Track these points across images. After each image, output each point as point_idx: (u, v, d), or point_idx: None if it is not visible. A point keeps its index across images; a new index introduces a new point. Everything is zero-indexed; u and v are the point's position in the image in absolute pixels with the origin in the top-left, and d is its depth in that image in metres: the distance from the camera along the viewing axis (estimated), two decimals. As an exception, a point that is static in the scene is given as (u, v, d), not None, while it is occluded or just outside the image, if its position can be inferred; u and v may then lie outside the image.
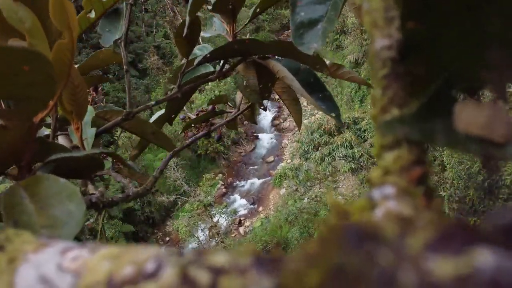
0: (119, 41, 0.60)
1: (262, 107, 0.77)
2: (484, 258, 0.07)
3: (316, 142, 8.82)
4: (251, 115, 0.92)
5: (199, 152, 10.85)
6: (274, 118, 12.96)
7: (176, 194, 9.89)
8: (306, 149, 8.97)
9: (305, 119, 11.14)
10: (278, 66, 0.61)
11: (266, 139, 12.38)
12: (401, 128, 0.14)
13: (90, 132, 0.64)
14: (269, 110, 12.82)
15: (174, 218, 10.19)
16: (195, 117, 0.90)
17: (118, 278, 0.13)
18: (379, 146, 0.16)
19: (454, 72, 0.17)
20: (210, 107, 0.91)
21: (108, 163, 0.77)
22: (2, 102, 0.54)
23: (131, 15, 0.62)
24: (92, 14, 0.59)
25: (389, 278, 0.08)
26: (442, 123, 0.14)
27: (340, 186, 9.15)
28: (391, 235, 0.09)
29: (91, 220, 0.63)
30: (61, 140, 0.73)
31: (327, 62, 0.77)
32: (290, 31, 0.48)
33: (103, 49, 0.64)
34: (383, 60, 0.17)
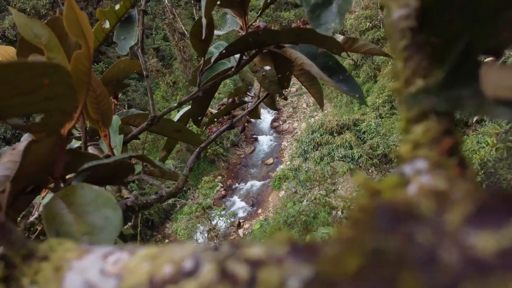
0: (136, 47, 0.61)
1: (282, 97, 0.77)
2: (529, 227, 0.07)
3: (316, 141, 8.78)
4: (272, 102, 0.92)
5: (198, 154, 10.87)
6: (274, 120, 12.94)
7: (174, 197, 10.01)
8: (305, 148, 8.95)
9: (306, 119, 11.09)
10: (295, 53, 0.60)
11: (265, 141, 12.37)
12: (428, 99, 0.14)
13: (118, 140, 0.65)
14: (269, 112, 12.80)
15: (173, 221, 10.31)
16: (216, 111, 0.90)
17: (159, 278, 0.13)
18: (405, 120, 0.15)
19: (475, 35, 0.16)
20: (230, 99, 0.91)
21: (138, 167, 0.79)
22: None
23: (143, 22, 0.63)
24: (107, 25, 0.59)
25: (430, 257, 0.07)
26: (469, 89, 0.13)
27: (339, 188, 9.10)
28: (428, 211, 0.08)
29: (129, 224, 0.65)
30: (91, 151, 0.75)
31: (341, 37, 0.75)
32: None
33: (122, 58, 0.65)
34: (402, 31, 0.17)
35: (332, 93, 11.26)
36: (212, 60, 0.62)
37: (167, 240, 10.42)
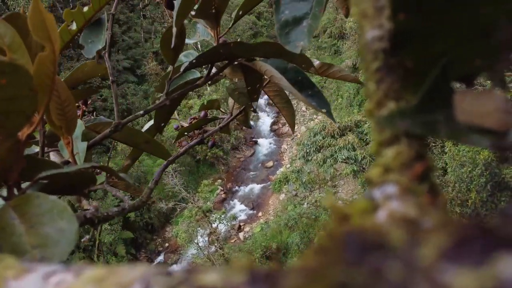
0: (103, 52, 0.59)
1: (252, 109, 0.76)
2: (510, 267, 0.06)
3: (318, 144, 8.89)
4: (245, 119, 0.91)
5: (198, 157, 10.82)
6: (273, 123, 13.02)
7: (174, 201, 9.87)
8: (307, 151, 9.03)
9: (305, 123, 11.23)
10: (265, 66, 0.60)
11: (265, 144, 12.43)
12: (402, 122, 0.14)
13: (81, 146, 0.62)
14: (268, 115, 12.89)
15: (173, 224, 10.22)
16: (188, 125, 0.89)
17: (103, 303, 0.12)
18: (377, 143, 0.15)
19: (449, 61, 0.16)
20: (202, 113, 0.90)
21: (102, 177, 0.76)
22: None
23: (112, 26, 0.61)
24: (74, 26, 0.57)
25: (402, 299, 0.07)
26: (443, 115, 0.13)
27: (339, 191, 9.23)
28: (399, 242, 0.08)
29: (87, 237, 0.61)
30: (53, 157, 0.71)
31: (317, 62, 0.76)
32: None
33: (87, 61, 0.62)
34: (375, 52, 0.16)
35: (332, 96, 11.42)
36: (181, 69, 0.61)
37: (167, 244, 10.22)
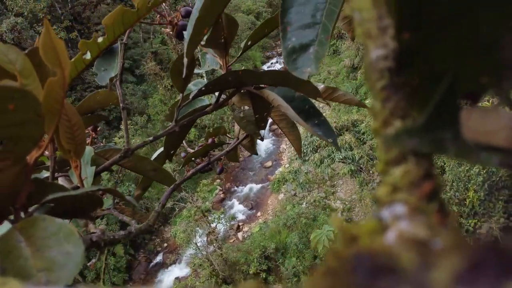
0: (115, 80, 0.60)
1: (259, 138, 0.77)
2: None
3: (315, 144, 8.87)
4: (251, 145, 0.91)
5: (196, 157, 10.84)
6: (272, 123, 13.01)
7: (173, 201, 9.81)
8: (304, 151, 9.02)
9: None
10: (272, 95, 0.60)
11: (264, 144, 12.43)
12: (409, 140, 0.13)
13: (89, 171, 0.63)
14: None
15: (172, 224, 10.16)
16: (194, 151, 0.89)
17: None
18: (384, 162, 0.15)
19: (455, 79, 0.16)
20: (210, 140, 0.91)
21: (108, 200, 0.76)
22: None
23: (124, 55, 0.62)
24: (88, 56, 0.59)
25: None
26: (450, 132, 0.13)
27: (338, 191, 9.17)
28: (410, 265, 0.07)
29: (93, 260, 0.61)
30: (61, 181, 0.72)
31: (321, 86, 0.77)
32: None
33: (100, 90, 0.64)
34: (380, 71, 0.16)
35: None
36: (190, 97, 0.62)
37: (165, 244, 10.14)
